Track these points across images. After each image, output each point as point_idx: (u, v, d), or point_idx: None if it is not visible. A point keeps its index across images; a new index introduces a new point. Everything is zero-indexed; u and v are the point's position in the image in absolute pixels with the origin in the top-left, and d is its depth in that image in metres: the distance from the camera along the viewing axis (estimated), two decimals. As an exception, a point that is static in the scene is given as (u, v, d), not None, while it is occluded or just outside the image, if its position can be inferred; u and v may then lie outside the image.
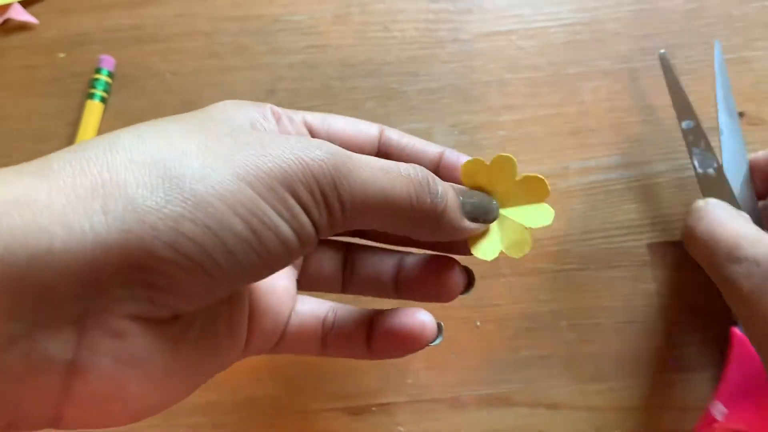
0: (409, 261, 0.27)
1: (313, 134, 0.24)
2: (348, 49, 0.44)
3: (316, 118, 0.25)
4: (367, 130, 0.26)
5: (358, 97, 0.43)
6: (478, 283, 0.28)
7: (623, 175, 0.41)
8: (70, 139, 0.42)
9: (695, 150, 0.36)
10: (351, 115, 0.43)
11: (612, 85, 0.43)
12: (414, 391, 0.38)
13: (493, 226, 0.26)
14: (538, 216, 0.26)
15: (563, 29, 0.44)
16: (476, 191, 0.25)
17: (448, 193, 0.23)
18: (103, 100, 0.43)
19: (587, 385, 0.38)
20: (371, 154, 0.25)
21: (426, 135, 0.42)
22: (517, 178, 0.26)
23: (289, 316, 0.26)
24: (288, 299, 0.26)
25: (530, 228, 0.25)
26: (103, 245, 0.16)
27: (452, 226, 0.23)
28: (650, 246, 0.40)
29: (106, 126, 0.43)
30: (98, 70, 0.43)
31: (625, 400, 0.38)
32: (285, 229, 0.19)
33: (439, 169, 0.27)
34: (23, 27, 0.45)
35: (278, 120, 0.24)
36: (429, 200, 0.22)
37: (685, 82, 0.43)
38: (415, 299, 0.27)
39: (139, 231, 0.16)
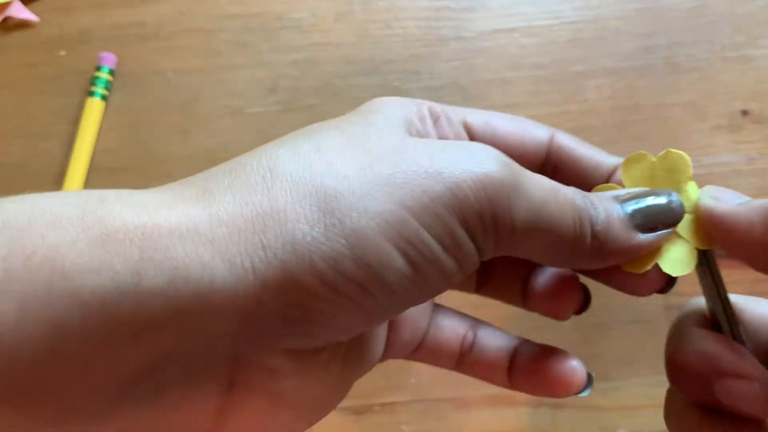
0: (539, 271, 0.24)
1: (473, 138, 0.22)
2: (350, 47, 0.44)
3: (477, 119, 0.22)
4: (535, 133, 0.22)
5: (360, 95, 0.43)
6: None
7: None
8: (70, 138, 0.42)
9: None
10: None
11: (615, 83, 0.43)
12: (417, 391, 0.38)
13: None
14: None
15: (566, 27, 0.44)
16: (647, 189, 0.21)
17: (611, 213, 0.19)
18: (104, 98, 0.43)
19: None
20: (537, 163, 0.22)
21: (429, 133, 0.42)
22: (691, 182, 0.21)
23: (428, 325, 0.25)
24: (426, 307, 0.25)
25: (697, 248, 0.20)
26: (262, 284, 0.15)
27: (621, 250, 0.19)
28: (654, 244, 0.40)
29: (107, 124, 0.43)
30: (99, 68, 0.43)
31: (629, 399, 0.38)
32: (447, 260, 0.17)
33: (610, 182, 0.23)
34: (24, 25, 0.45)
35: (436, 120, 0.22)
36: (590, 230, 0.19)
37: (688, 80, 0.42)
38: (539, 312, 0.25)
39: (298, 270, 0.16)
